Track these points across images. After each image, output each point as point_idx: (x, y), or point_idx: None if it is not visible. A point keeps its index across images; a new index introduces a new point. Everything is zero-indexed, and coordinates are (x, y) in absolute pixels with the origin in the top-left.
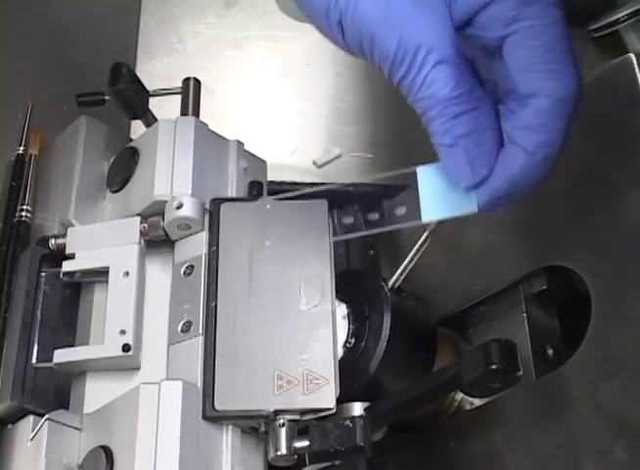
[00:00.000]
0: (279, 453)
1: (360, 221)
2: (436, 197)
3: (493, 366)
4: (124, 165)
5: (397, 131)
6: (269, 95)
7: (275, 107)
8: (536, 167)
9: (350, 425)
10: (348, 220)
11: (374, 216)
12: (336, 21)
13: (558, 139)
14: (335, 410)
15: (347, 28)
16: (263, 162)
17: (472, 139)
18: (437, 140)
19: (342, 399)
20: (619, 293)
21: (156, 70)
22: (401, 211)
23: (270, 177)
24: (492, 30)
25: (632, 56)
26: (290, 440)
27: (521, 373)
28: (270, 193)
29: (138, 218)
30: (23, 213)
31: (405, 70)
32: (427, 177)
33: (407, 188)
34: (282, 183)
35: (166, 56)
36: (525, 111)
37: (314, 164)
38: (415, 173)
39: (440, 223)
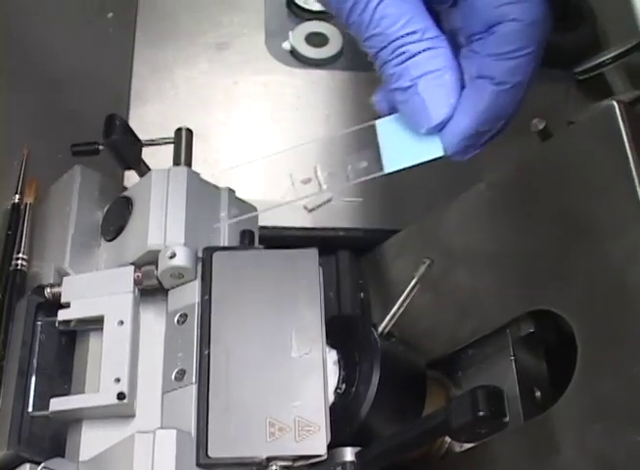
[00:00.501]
0: None
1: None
2: (398, 147)
3: (480, 413)
4: (118, 215)
5: (387, 176)
6: (260, 139)
7: (266, 151)
8: (506, 98)
9: None
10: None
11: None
12: None
13: (528, 65)
14: (326, 456)
15: None
16: (255, 209)
17: (429, 80)
18: (393, 85)
19: (334, 443)
20: (604, 337)
21: (149, 116)
22: (363, 164)
23: (261, 221)
24: None
25: (615, 103)
26: None
27: (507, 419)
28: (262, 238)
29: (132, 268)
30: (19, 262)
31: (353, 3)
32: (387, 129)
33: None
34: (273, 228)
35: (159, 102)
36: (491, 39)
37: (305, 208)
38: (374, 127)
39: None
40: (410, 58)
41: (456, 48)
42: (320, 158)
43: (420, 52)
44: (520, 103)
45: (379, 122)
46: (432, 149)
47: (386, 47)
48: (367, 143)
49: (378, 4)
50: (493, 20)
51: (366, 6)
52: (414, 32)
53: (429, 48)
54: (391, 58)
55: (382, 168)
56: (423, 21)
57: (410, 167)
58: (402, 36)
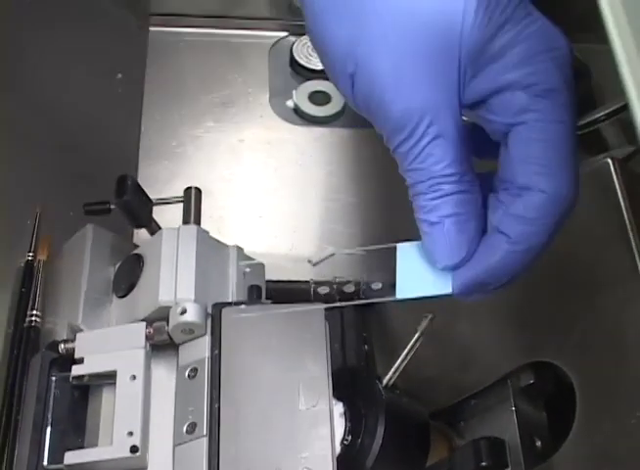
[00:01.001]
0: None
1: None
2: (413, 275)
3: (483, 463)
4: (130, 272)
5: (388, 229)
6: (265, 196)
7: (271, 207)
8: (517, 258)
9: None
10: (324, 291)
11: (349, 288)
12: (349, 72)
13: (544, 234)
14: None
15: (358, 82)
16: (262, 265)
17: (456, 222)
18: (422, 216)
19: None
20: (602, 387)
21: (157, 174)
22: (377, 286)
23: (268, 275)
24: (503, 116)
25: (609, 160)
26: None
27: (509, 469)
28: (269, 291)
29: (144, 324)
30: (33, 318)
31: (405, 136)
32: (406, 255)
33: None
34: (279, 281)
35: (166, 160)
36: (518, 201)
37: (309, 261)
38: (394, 250)
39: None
40: (443, 196)
41: (487, 189)
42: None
43: (454, 193)
44: (530, 265)
45: (400, 246)
46: (443, 285)
47: (424, 182)
48: (382, 261)
49: (428, 143)
50: (523, 183)
51: (417, 143)
52: (453, 174)
53: (462, 191)
54: (427, 191)
55: (394, 293)
56: (463, 164)
57: (420, 298)
58: (442, 176)
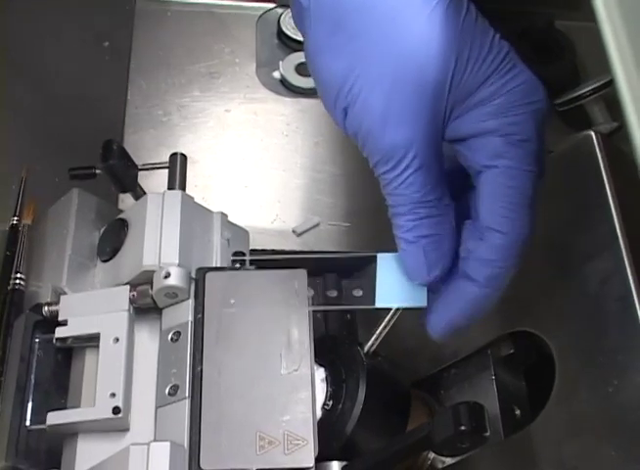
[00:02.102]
0: None
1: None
2: (392, 285)
3: (462, 427)
4: (114, 236)
5: (373, 201)
6: (250, 166)
7: (256, 177)
8: (487, 299)
9: None
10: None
11: (332, 293)
12: (342, 106)
13: (508, 274)
14: (313, 469)
15: (350, 116)
16: (246, 232)
17: (431, 243)
18: (400, 234)
19: (321, 458)
20: (581, 357)
21: (142, 142)
22: (358, 293)
23: (252, 245)
24: (479, 157)
25: (592, 134)
26: None
27: (488, 434)
28: (252, 260)
29: (127, 287)
30: (17, 281)
31: (390, 166)
32: (386, 265)
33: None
34: (263, 251)
35: (152, 128)
36: (482, 244)
37: (294, 232)
38: (375, 258)
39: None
40: (422, 219)
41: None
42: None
43: (431, 216)
44: (497, 300)
45: (380, 257)
46: (419, 297)
47: (404, 205)
48: (367, 235)
49: (411, 174)
50: (488, 224)
51: (401, 173)
52: (431, 201)
53: (438, 215)
54: (406, 213)
55: (373, 302)
56: (441, 190)
57: (396, 308)
58: (421, 202)
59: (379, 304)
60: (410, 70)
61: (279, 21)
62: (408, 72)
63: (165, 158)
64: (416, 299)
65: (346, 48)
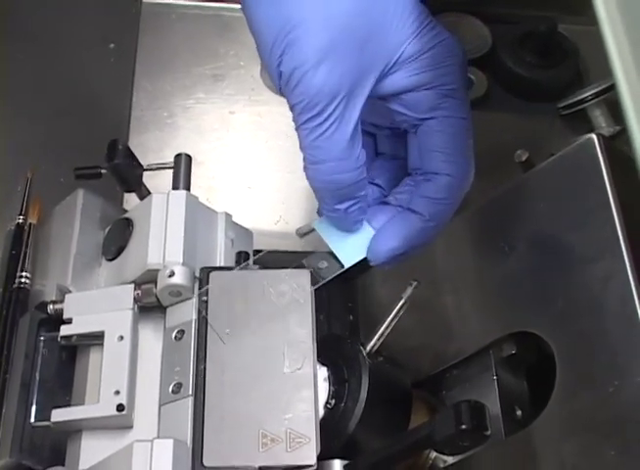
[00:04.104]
0: None
1: None
2: (345, 243)
3: (463, 426)
4: (119, 235)
5: None
6: (254, 167)
7: (260, 179)
8: (429, 232)
9: None
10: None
11: (322, 265)
12: (279, 53)
13: (450, 211)
14: (316, 467)
15: (285, 60)
16: (250, 232)
17: (351, 206)
18: (322, 205)
19: (323, 456)
20: (582, 357)
21: (148, 144)
22: (323, 264)
23: (256, 246)
24: (415, 111)
25: (594, 136)
26: None
27: (489, 432)
28: (256, 261)
29: (132, 286)
30: (23, 280)
31: (316, 112)
32: (325, 229)
33: None
34: (268, 252)
35: (157, 130)
36: (429, 185)
37: (297, 233)
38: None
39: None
40: (340, 189)
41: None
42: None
43: (350, 184)
44: (436, 236)
45: (317, 225)
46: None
47: (322, 163)
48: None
49: (334, 122)
50: (432, 169)
51: (325, 120)
52: (347, 159)
53: (357, 178)
54: (324, 175)
55: (342, 265)
56: (358, 149)
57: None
58: (339, 158)
59: (347, 264)
60: (341, 18)
61: None
62: (339, 20)
63: (170, 159)
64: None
65: None
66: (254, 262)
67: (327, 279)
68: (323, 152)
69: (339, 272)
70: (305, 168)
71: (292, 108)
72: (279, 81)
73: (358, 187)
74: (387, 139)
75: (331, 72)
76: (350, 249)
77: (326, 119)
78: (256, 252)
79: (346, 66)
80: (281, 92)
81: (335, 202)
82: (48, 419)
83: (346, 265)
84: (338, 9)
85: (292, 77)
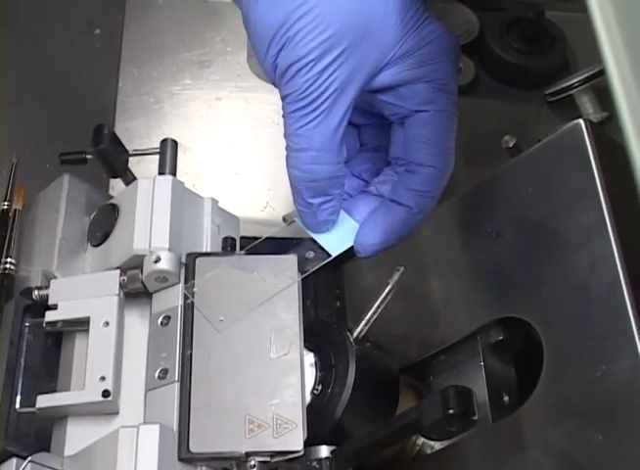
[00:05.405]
0: None
1: None
2: (328, 233)
3: (450, 411)
4: (105, 221)
5: None
6: (241, 153)
7: (247, 165)
8: (414, 223)
9: (317, 466)
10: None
11: (309, 255)
12: (277, 49)
13: (434, 202)
14: (302, 453)
15: (282, 55)
16: (236, 218)
17: (323, 203)
18: (297, 199)
19: (310, 442)
20: (569, 343)
21: (133, 129)
22: (310, 254)
23: (242, 232)
24: (409, 103)
25: (582, 122)
26: None
27: (476, 417)
28: (242, 248)
29: (118, 271)
30: (8, 266)
31: (306, 102)
32: None
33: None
34: (254, 238)
35: (144, 116)
36: (413, 177)
37: (284, 219)
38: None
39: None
40: (315, 181)
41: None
42: None
43: (325, 178)
44: (419, 227)
45: (298, 219)
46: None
47: (304, 151)
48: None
49: (321, 114)
50: (418, 161)
51: (312, 111)
52: (326, 150)
53: (333, 174)
54: (302, 165)
55: (329, 254)
56: (339, 145)
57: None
58: (320, 149)
59: (334, 252)
60: (342, 15)
61: None
62: (341, 16)
63: (156, 145)
64: (353, 230)
65: None
66: (241, 248)
67: (315, 268)
68: (305, 140)
69: (326, 261)
70: (287, 157)
71: (283, 98)
72: (274, 73)
73: (334, 183)
74: (371, 131)
75: (327, 68)
76: (334, 239)
77: (313, 110)
78: (243, 238)
79: (344, 62)
80: (273, 82)
81: (309, 195)
82: (33, 405)
83: (333, 254)
84: (340, 6)
85: (288, 71)
